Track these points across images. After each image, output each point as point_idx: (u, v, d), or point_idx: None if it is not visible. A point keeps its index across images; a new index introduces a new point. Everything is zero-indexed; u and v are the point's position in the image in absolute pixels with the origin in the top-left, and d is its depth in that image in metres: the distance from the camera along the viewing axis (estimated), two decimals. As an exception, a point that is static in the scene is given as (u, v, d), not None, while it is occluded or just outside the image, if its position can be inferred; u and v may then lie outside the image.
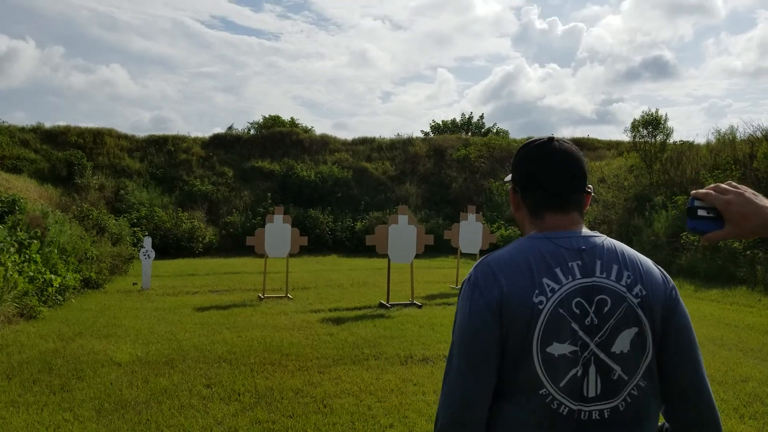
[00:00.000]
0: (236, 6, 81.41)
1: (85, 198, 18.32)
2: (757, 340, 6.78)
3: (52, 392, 4.65)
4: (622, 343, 1.21)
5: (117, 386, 4.80)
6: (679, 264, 12.17)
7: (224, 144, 24.27)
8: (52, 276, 8.58)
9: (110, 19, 71.02)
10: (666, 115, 17.78)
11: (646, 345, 1.22)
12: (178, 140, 23.72)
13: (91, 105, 67.34)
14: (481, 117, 35.04)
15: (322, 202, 21.56)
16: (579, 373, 1.19)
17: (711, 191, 1.18)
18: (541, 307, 1.20)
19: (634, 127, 17.86)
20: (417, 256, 9.79)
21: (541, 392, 1.19)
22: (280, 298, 9.64)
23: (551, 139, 1.35)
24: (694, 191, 1.21)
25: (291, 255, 10.30)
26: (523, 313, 1.20)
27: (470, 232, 11.32)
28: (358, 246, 19.00)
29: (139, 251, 11.50)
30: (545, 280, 1.22)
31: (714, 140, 16.53)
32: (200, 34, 78.36)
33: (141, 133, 25.43)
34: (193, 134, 24.77)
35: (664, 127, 17.58)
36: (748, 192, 1.16)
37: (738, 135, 15.59)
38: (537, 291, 1.21)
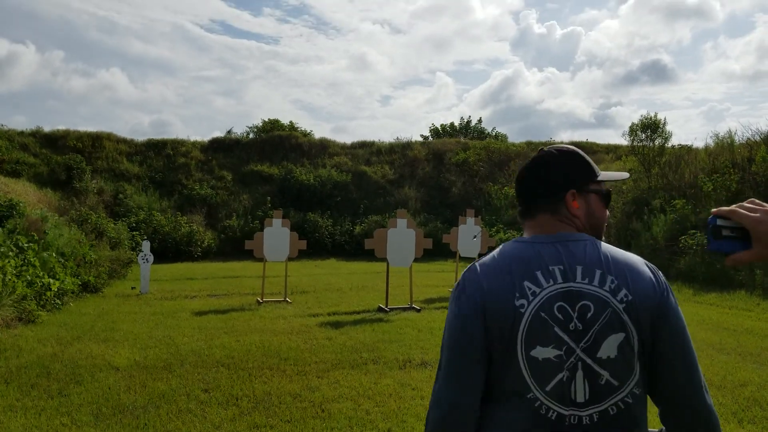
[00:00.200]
0: (236, 10, 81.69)
1: (83, 202, 18.32)
2: (755, 344, 6.78)
3: (50, 397, 4.64)
4: (609, 348, 1.20)
5: (115, 391, 4.79)
6: (678, 268, 12.17)
7: (223, 148, 24.29)
8: (51, 280, 8.58)
9: (110, 23, 71.22)
10: (664, 119, 17.82)
11: (635, 350, 1.21)
12: (177, 144, 23.73)
13: (91, 109, 67.49)
14: (479, 121, 35.16)
15: (321, 206, 21.56)
16: (565, 378, 1.20)
17: (737, 209, 1.12)
18: (522, 310, 1.22)
19: (633, 131, 17.91)
20: (416, 260, 9.79)
21: (528, 396, 1.20)
22: (279, 302, 9.63)
23: (540, 151, 1.40)
24: (715, 210, 1.15)
25: (290, 259, 10.30)
26: (505, 316, 1.22)
27: (469, 236, 11.31)
28: (357, 250, 19.00)
29: (137, 255, 11.49)
30: (526, 284, 1.24)
31: (712, 144, 16.58)
32: (200, 38, 78.55)
33: (140, 137, 25.52)
34: (193, 138, 24.84)
35: (662, 131, 17.64)
36: None
37: (736, 139, 15.63)
38: (518, 294, 1.23)
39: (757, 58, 79.65)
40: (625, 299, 1.22)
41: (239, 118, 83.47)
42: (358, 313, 8.74)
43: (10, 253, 8.22)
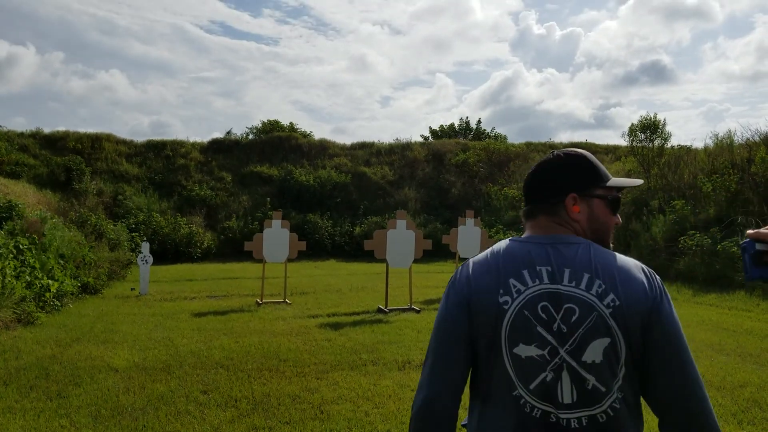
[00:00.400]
0: (235, 11, 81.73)
1: (83, 203, 18.31)
2: (755, 344, 6.77)
3: (49, 398, 4.63)
4: (594, 353, 1.20)
5: (114, 392, 4.78)
6: (677, 268, 12.16)
7: (223, 149, 24.29)
8: (50, 281, 8.57)
9: (110, 24, 71.26)
10: (664, 119, 17.88)
11: (620, 356, 1.20)
12: (176, 145, 23.74)
13: (91, 110, 67.52)
14: (479, 122, 35.17)
15: (321, 207, 21.56)
16: (549, 378, 1.20)
17: None
18: (506, 307, 1.24)
19: (632, 131, 17.92)
20: (415, 261, 9.79)
21: (514, 394, 1.23)
22: (279, 303, 9.62)
23: (550, 153, 1.42)
24: (752, 232, 1.08)
25: (289, 260, 10.29)
26: (488, 312, 1.25)
27: (469, 237, 11.31)
28: (356, 251, 19.00)
29: (137, 256, 11.48)
30: (512, 281, 1.25)
31: (712, 144, 16.57)
32: (199, 39, 78.58)
33: (140, 138, 25.49)
34: (192, 139, 24.85)
35: (661, 132, 17.66)
36: None
37: (736, 139, 15.64)
38: (502, 291, 1.25)
39: (756, 59, 79.78)
40: (612, 304, 1.21)
41: (239, 119, 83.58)
42: (358, 314, 8.74)
43: (10, 255, 8.21)
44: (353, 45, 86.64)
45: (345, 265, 17.54)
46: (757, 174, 12.94)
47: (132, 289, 11.07)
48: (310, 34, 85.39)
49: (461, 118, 38.69)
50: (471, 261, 1.36)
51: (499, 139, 30.67)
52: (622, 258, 1.29)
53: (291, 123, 30.83)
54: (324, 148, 25.35)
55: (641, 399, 1.27)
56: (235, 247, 18.00)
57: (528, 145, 26.54)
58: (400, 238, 9.43)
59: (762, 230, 1.07)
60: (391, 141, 26.91)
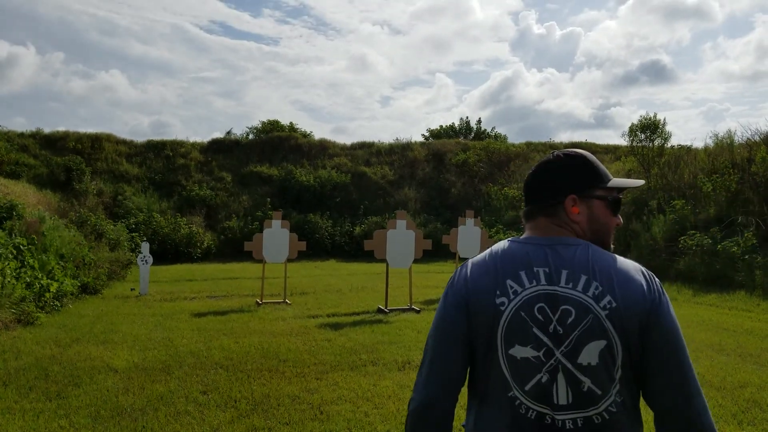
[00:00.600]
0: (235, 11, 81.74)
1: (83, 203, 18.31)
2: (755, 345, 6.77)
3: (48, 399, 4.62)
4: (589, 355, 1.19)
5: (113, 393, 4.78)
6: (678, 268, 12.15)
7: (223, 149, 24.29)
8: (50, 282, 8.57)
9: (110, 24, 71.25)
10: (664, 119, 17.85)
11: (617, 358, 1.20)
12: (176, 145, 23.74)
13: (91, 110, 67.52)
14: (479, 122, 35.16)
15: (321, 207, 21.56)
16: (544, 380, 1.21)
17: None
18: (502, 308, 1.24)
19: (632, 131, 17.92)
20: (415, 261, 9.78)
21: (509, 394, 1.23)
22: (278, 303, 9.62)
23: (550, 154, 1.42)
24: None
25: (289, 260, 10.29)
26: (485, 312, 1.25)
27: (469, 237, 11.31)
28: (356, 251, 19.00)
29: (137, 257, 11.48)
30: (509, 282, 1.26)
31: (712, 144, 16.57)
32: (199, 39, 78.57)
33: (140, 138, 25.50)
34: (192, 139, 24.87)
35: (662, 132, 17.65)
36: None
37: (736, 139, 15.62)
38: (499, 292, 1.25)
39: (756, 59, 79.76)
40: (608, 306, 1.20)
41: (239, 119, 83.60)
42: (358, 314, 8.73)
43: (10, 255, 8.20)
44: (353, 45, 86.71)
45: (345, 265, 17.53)
46: (758, 174, 12.93)
47: (132, 290, 11.06)
48: (310, 34, 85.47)
49: (461, 118, 38.70)
50: (470, 262, 1.36)
51: (499, 139, 30.68)
52: (621, 260, 1.28)
53: (291, 123, 30.86)
54: (324, 148, 25.35)
55: (641, 401, 1.27)
56: (235, 248, 18.00)
57: (528, 145, 26.53)
58: (400, 238, 9.42)
59: None
60: (391, 141, 26.94)
